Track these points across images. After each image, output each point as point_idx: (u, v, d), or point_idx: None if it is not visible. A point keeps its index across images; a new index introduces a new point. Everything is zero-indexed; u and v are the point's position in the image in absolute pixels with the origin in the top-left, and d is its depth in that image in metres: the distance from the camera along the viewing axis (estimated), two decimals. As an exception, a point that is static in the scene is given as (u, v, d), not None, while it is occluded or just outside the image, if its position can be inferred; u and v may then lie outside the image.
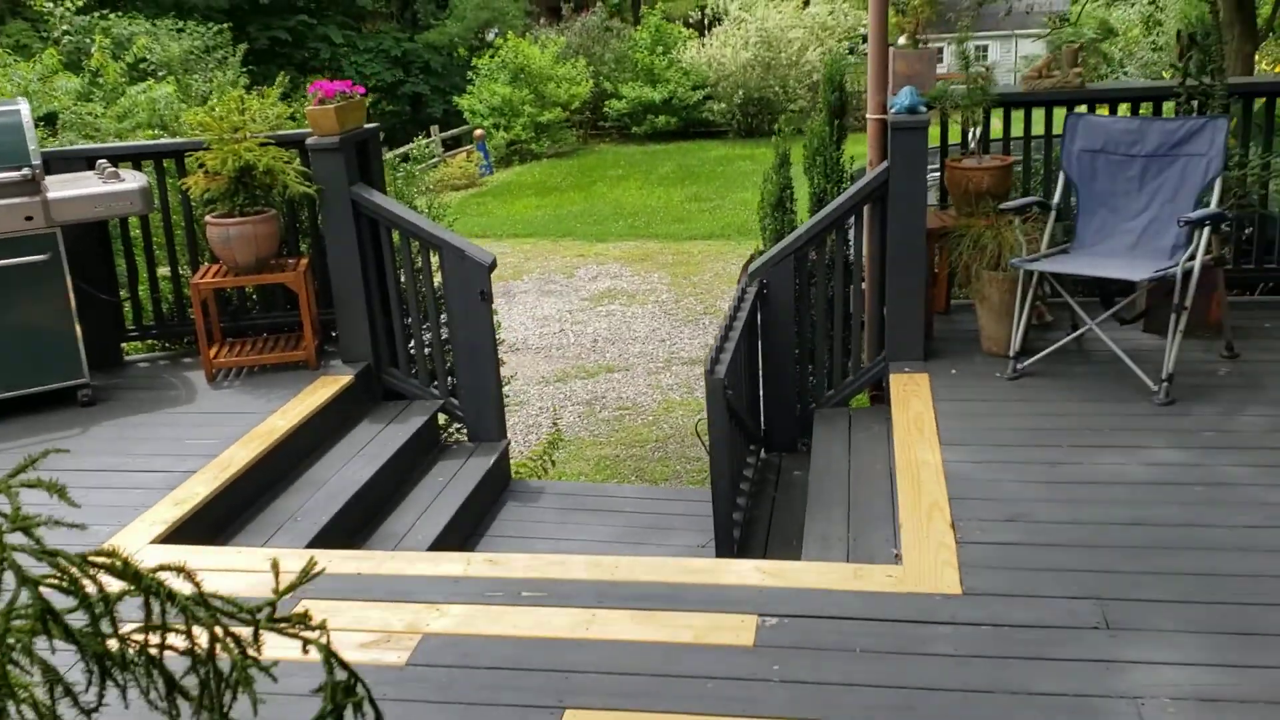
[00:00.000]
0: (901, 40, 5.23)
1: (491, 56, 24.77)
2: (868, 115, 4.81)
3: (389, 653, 2.90)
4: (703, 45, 24.72)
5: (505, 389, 5.81)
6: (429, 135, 23.86)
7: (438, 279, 5.32)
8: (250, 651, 1.63)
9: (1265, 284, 5.43)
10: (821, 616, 2.94)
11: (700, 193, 18.27)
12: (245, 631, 1.71)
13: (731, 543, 4.08)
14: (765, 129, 24.92)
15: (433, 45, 30.08)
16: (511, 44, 24.25)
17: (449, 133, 24.41)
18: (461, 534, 4.61)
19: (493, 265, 5.10)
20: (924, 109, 4.61)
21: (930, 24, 5.30)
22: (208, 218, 5.09)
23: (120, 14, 19.87)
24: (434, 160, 22.86)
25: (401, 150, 22.86)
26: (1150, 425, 4.04)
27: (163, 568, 1.63)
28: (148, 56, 17.82)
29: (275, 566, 1.73)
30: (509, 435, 5.38)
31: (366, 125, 5.33)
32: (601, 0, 32.75)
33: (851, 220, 4.90)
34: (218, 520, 4.00)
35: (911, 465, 3.84)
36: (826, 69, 5.45)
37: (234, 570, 3.40)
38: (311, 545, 3.91)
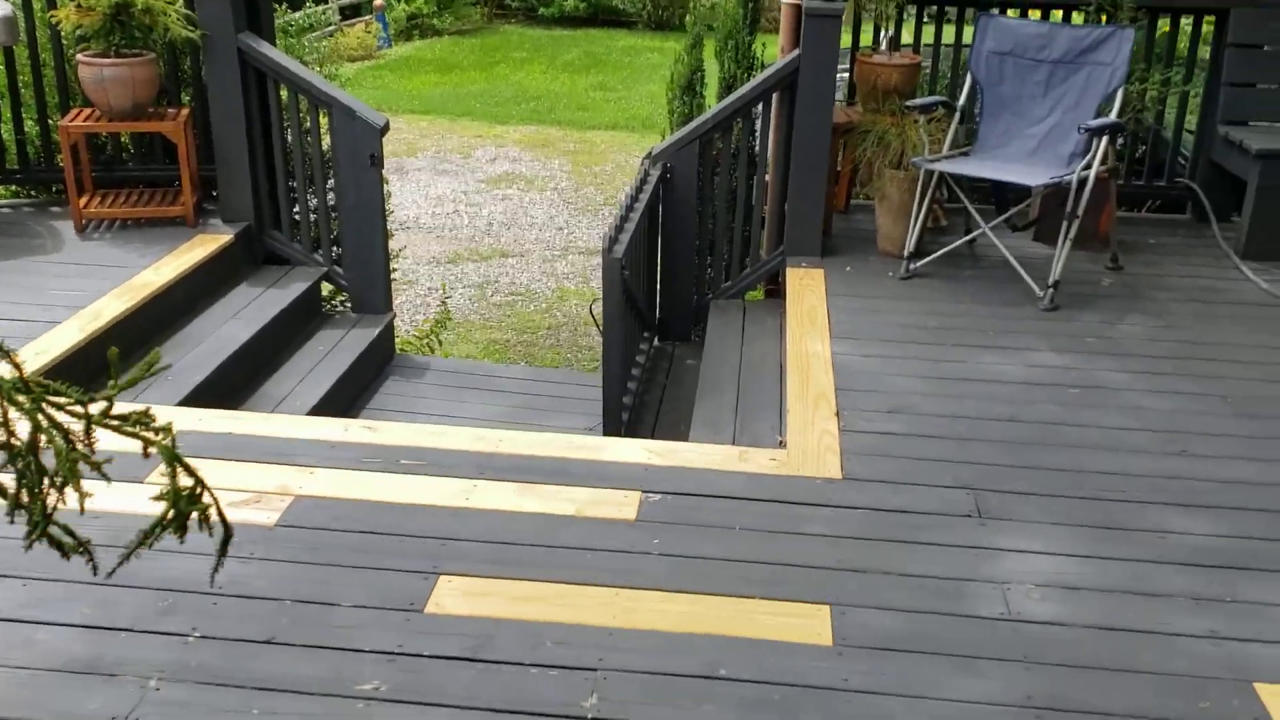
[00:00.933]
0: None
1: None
2: (782, 0, 4.71)
3: (259, 513, 2.81)
4: (617, -72, 23.98)
5: (393, 267, 5.64)
6: (326, 1, 22.83)
7: (327, 141, 5.10)
8: (79, 446, 1.48)
9: (1153, 201, 5.55)
10: (704, 495, 2.94)
11: (606, 82, 17.90)
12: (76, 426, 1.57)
13: (619, 425, 4.06)
14: (676, 22, 24.43)
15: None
16: (418, -91, 23.17)
17: (346, 0, 23.35)
18: (341, 404, 4.50)
19: (385, 127, 4.91)
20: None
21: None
22: (79, 56, 4.75)
23: None
24: (330, 29, 21.91)
25: (295, 16, 21.89)
26: (1033, 329, 4.11)
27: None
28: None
29: (113, 356, 1.58)
30: (395, 311, 5.23)
31: (258, -30, 5.01)
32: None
33: (759, 110, 4.82)
34: (83, 374, 3.80)
35: (801, 356, 3.85)
36: None
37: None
38: (184, 404, 3.77)
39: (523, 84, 17.69)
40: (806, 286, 4.49)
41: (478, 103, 15.99)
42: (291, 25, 6.44)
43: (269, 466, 3.04)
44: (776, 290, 5.07)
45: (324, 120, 5.06)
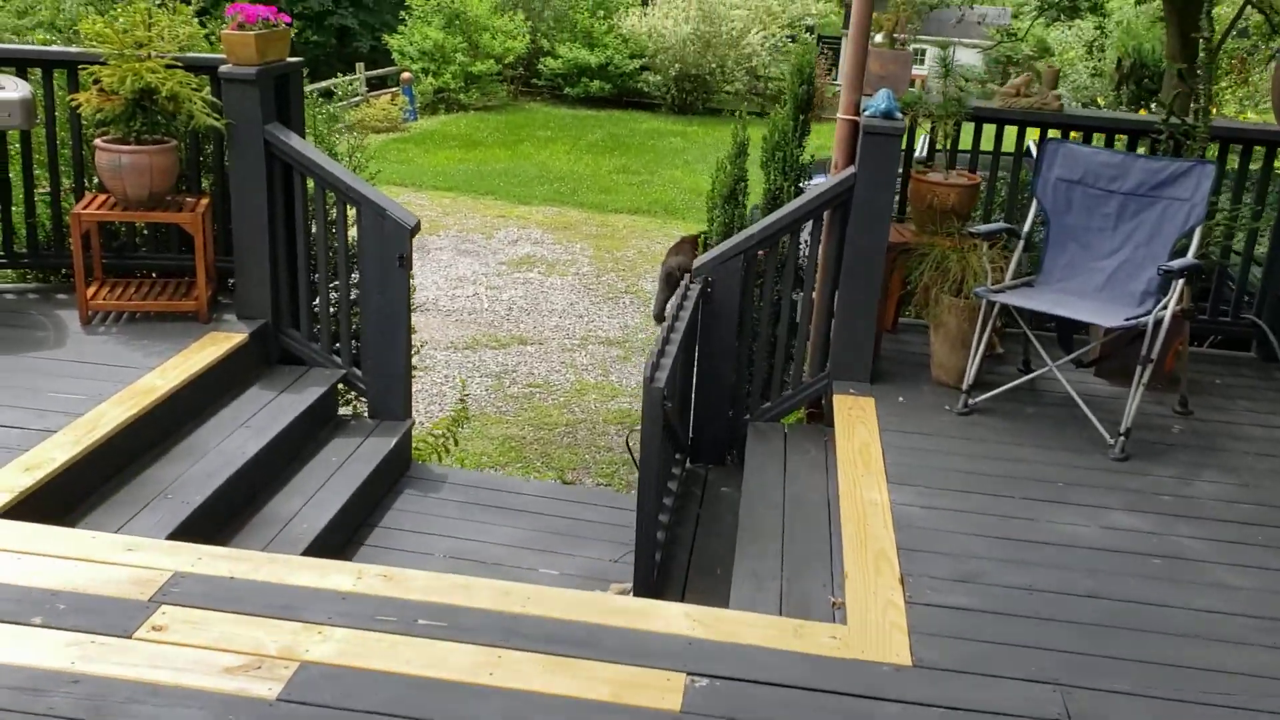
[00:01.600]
0: (878, 38, 4.90)
1: (427, -1, 23.90)
2: (839, 115, 4.48)
3: (258, 682, 2.48)
4: (644, 14, 24.21)
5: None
6: (354, 72, 22.97)
7: (353, 234, 4.86)
8: None
9: (1215, 336, 5.27)
10: (758, 682, 2.61)
11: (629, 165, 17.84)
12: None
13: (653, 567, 3.73)
14: (699, 106, 24.59)
15: (365, -22, 28.95)
16: (450, -13, 23.41)
17: (375, 72, 23.50)
18: (353, 524, 4.19)
19: (415, 228, 4.66)
20: (900, 115, 4.28)
21: (908, 23, 4.98)
22: (98, 141, 4.53)
23: (32, -99, 18.55)
24: (357, 99, 22.00)
25: (324, 84, 21.98)
26: (1105, 483, 3.79)
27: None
28: (59, -49, 16.72)
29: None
30: (414, 419, 4.94)
31: (290, 59, 4.81)
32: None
33: (808, 224, 4.57)
34: (76, 491, 3.51)
35: (856, 504, 3.53)
36: (797, 58, 5.08)
37: (80, 559, 2.92)
38: (183, 526, 3.46)
39: (546, 164, 17.63)
40: (857, 418, 4.19)
41: (501, 181, 15.89)
42: (322, 106, 6.23)
43: (273, 622, 2.71)
44: (818, 414, 4.78)
45: (351, 212, 4.83)
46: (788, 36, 24.60)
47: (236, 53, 4.50)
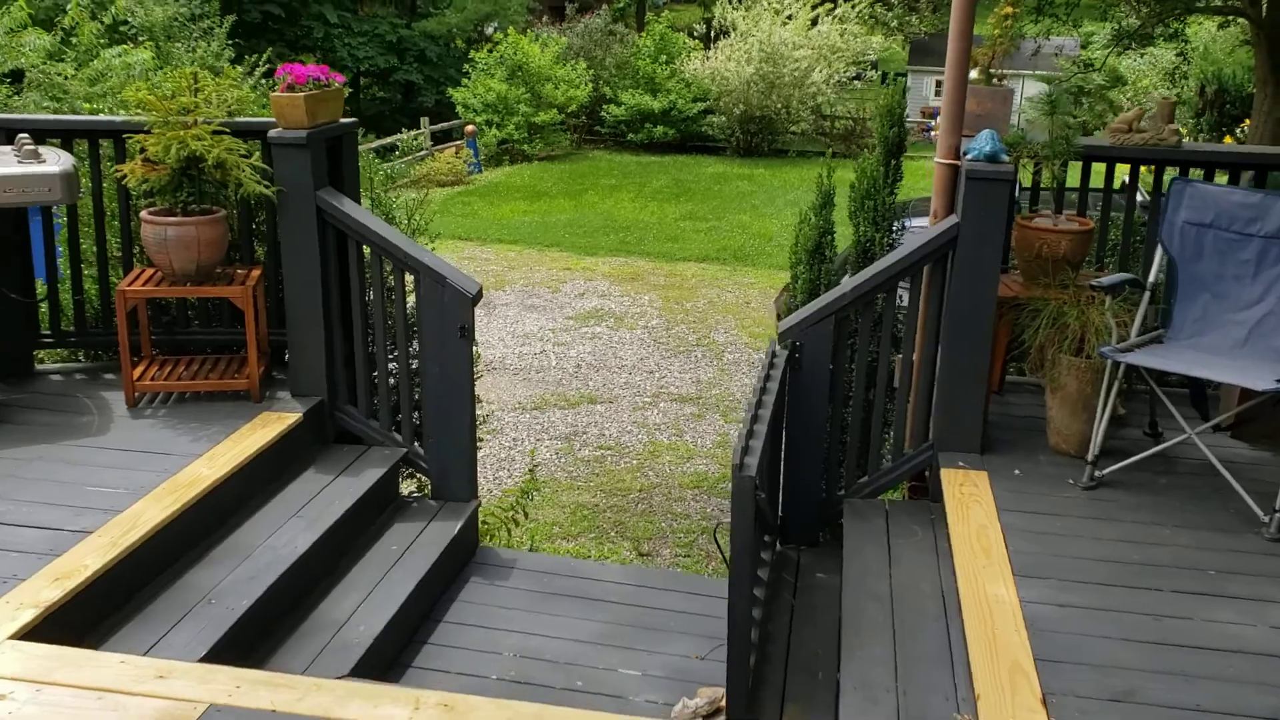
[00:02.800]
0: (974, 74, 4.50)
1: (490, 51, 23.98)
2: (936, 159, 4.07)
3: None
4: (707, 58, 24.03)
5: (477, 413, 5.04)
6: (419, 127, 23.08)
7: (411, 300, 4.56)
8: None
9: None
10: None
11: (695, 211, 17.54)
12: None
13: (747, 674, 3.32)
14: (764, 148, 24.29)
15: (430, 34, 29.29)
16: (512, 40, 23.48)
17: (439, 126, 23.59)
18: (413, 622, 3.83)
19: (478, 296, 4.34)
20: (1006, 157, 3.87)
21: (1005, 58, 4.58)
22: (143, 213, 4.28)
23: (104, -27, 18.93)
24: (422, 153, 22.06)
25: (388, 140, 22.08)
26: (1263, 569, 3.31)
27: None
28: (129, 19, 16.97)
29: None
30: (480, 499, 4.60)
31: (343, 120, 4.54)
32: (607, 3, 32.13)
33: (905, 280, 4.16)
34: (109, 601, 3.20)
35: (980, 602, 3.09)
36: (886, 98, 4.70)
37: (105, 690, 2.60)
38: (225, 639, 3.13)
39: (611, 213, 17.40)
40: (970, 496, 3.74)
41: (566, 233, 15.67)
42: (377, 168, 5.98)
43: (316, 769, 2.36)
44: (922, 487, 4.34)
45: (409, 279, 4.53)
46: (852, 77, 24.24)
47: (286, 116, 4.23)
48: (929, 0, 13.77)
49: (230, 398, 4.42)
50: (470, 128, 22.23)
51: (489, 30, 29.44)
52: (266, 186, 4.26)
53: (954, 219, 3.93)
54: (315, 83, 4.30)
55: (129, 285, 4.30)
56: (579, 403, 8.83)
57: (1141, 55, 25.75)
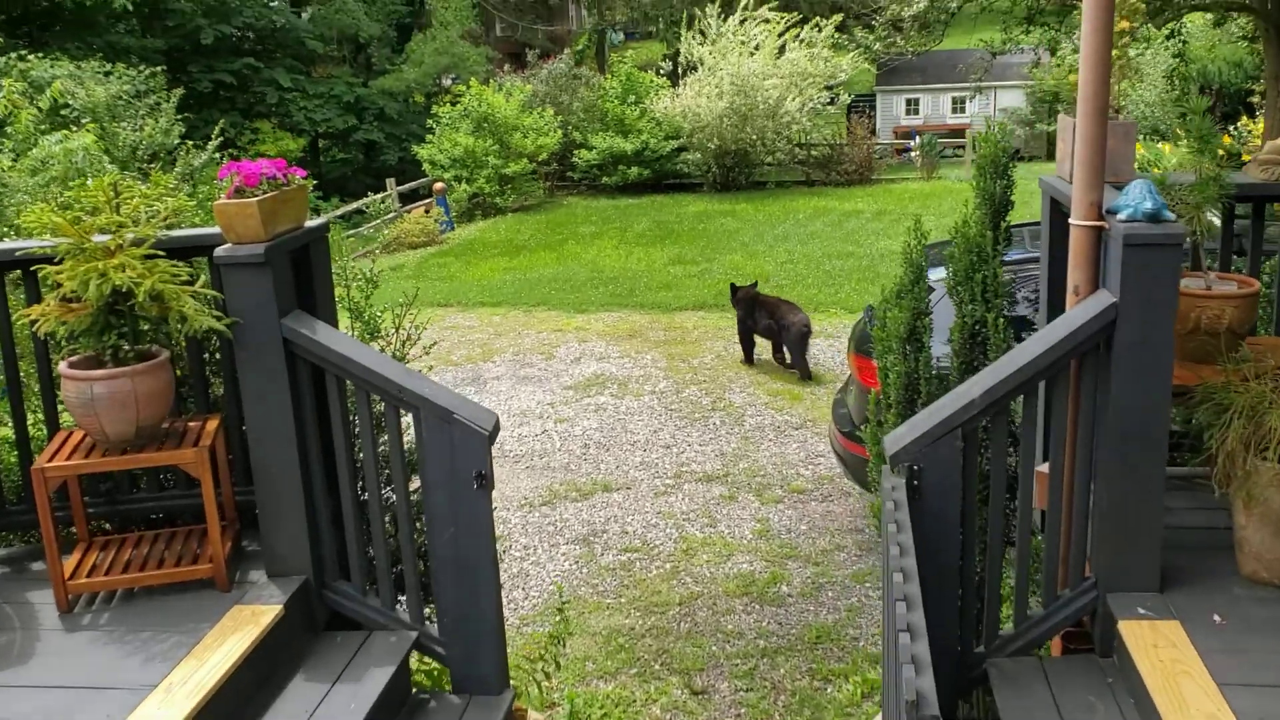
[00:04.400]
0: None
1: (453, 104, 23.17)
2: (1072, 221, 3.20)
3: None
4: (676, 95, 23.30)
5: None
6: (384, 187, 22.22)
7: (409, 436, 3.66)
8: None
9: None
10: None
11: (684, 254, 16.69)
12: None
13: None
14: (742, 182, 23.55)
15: (388, 91, 28.50)
16: (475, 91, 22.67)
17: (406, 185, 22.71)
18: None
19: (494, 432, 3.43)
20: (1171, 214, 3.00)
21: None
22: (62, 365, 3.35)
23: (41, 55, 18.03)
24: (390, 215, 21.17)
25: (355, 205, 21.19)
26: None
27: None
28: (69, 102, 16.03)
29: None
30: (514, 688, 3.66)
31: (309, 224, 3.63)
32: (566, 47, 31.53)
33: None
34: None
35: None
36: (987, 145, 3.79)
37: None
38: None
39: (596, 262, 16.53)
40: (1174, 663, 2.84)
41: (552, 289, 14.77)
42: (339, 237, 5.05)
43: None
44: (1078, 633, 3.43)
45: (407, 416, 3.61)
46: (827, 101, 23.56)
47: (237, 227, 3.32)
48: (914, 19, 13.05)
49: (192, 588, 3.47)
50: (439, 185, 21.36)
51: (447, 82, 28.70)
52: (217, 318, 3.34)
53: (1107, 297, 3.05)
54: (270, 182, 3.39)
55: (49, 460, 3.36)
56: (592, 491, 7.89)
57: (1154, 54, 24.99)
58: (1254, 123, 19.02)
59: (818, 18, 23.58)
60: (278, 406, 3.44)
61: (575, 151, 24.11)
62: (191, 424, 3.61)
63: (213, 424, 3.59)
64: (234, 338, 3.39)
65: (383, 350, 4.39)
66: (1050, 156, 29.73)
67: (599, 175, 24.04)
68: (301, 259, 3.58)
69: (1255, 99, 20.83)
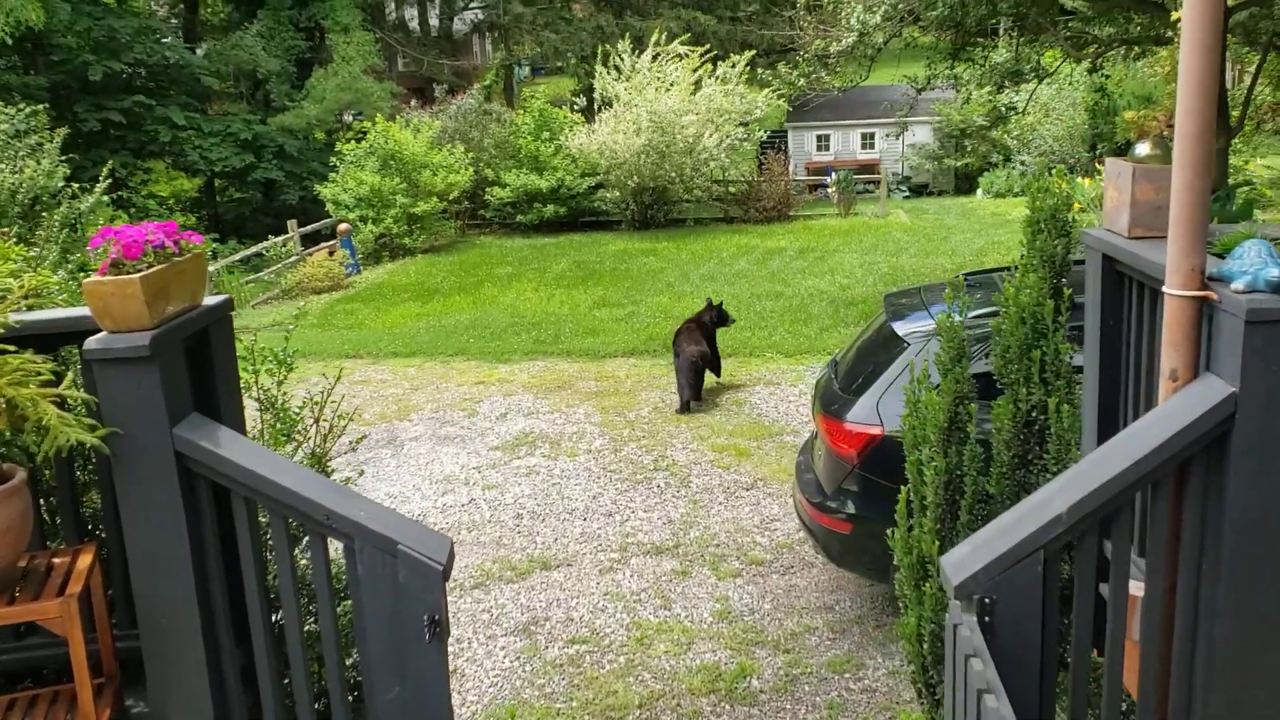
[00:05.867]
0: (1141, 148, 3.08)
1: (358, 141, 22.26)
2: (1166, 290, 2.61)
3: None
4: (591, 131, 22.74)
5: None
6: (285, 229, 21.19)
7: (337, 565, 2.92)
8: None
9: None
10: None
11: (608, 296, 16.05)
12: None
13: None
14: (660, 219, 23.09)
15: (288, 128, 27.41)
16: (381, 128, 21.80)
17: (309, 227, 21.69)
18: None
19: (448, 566, 2.72)
20: (1299, 284, 2.43)
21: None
22: (-123, 497, 2.55)
23: (-93, 94, 16.74)
24: (292, 259, 20.16)
25: (255, 248, 20.13)
26: None
27: None
28: (-63, 144, 14.81)
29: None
30: None
31: (209, 300, 2.88)
32: (474, 82, 30.89)
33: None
34: None
35: None
36: (1038, 200, 3.17)
37: None
38: None
39: (516, 307, 15.80)
40: None
41: (470, 337, 13.98)
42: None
43: None
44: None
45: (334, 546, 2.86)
46: (741, 137, 23.25)
47: (113, 311, 2.57)
48: (841, 54, 12.70)
49: (56, 778, 2.67)
50: (344, 226, 20.41)
51: (348, 118, 27.75)
52: (91, 428, 2.57)
53: (1221, 385, 2.47)
54: (158, 252, 2.64)
55: None
56: (529, 570, 7.14)
57: (1016, 92, 25.44)
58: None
59: (732, 55, 23.31)
60: (170, 536, 2.69)
61: (488, 189, 23.37)
62: (58, 560, 2.82)
63: (85, 559, 2.81)
64: (112, 452, 2.62)
65: (297, 448, 3.64)
66: (960, 191, 29.97)
67: (513, 214, 23.33)
68: (198, 347, 2.83)
69: (1167, 132, 21.09)
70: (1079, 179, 22.37)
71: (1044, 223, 3.04)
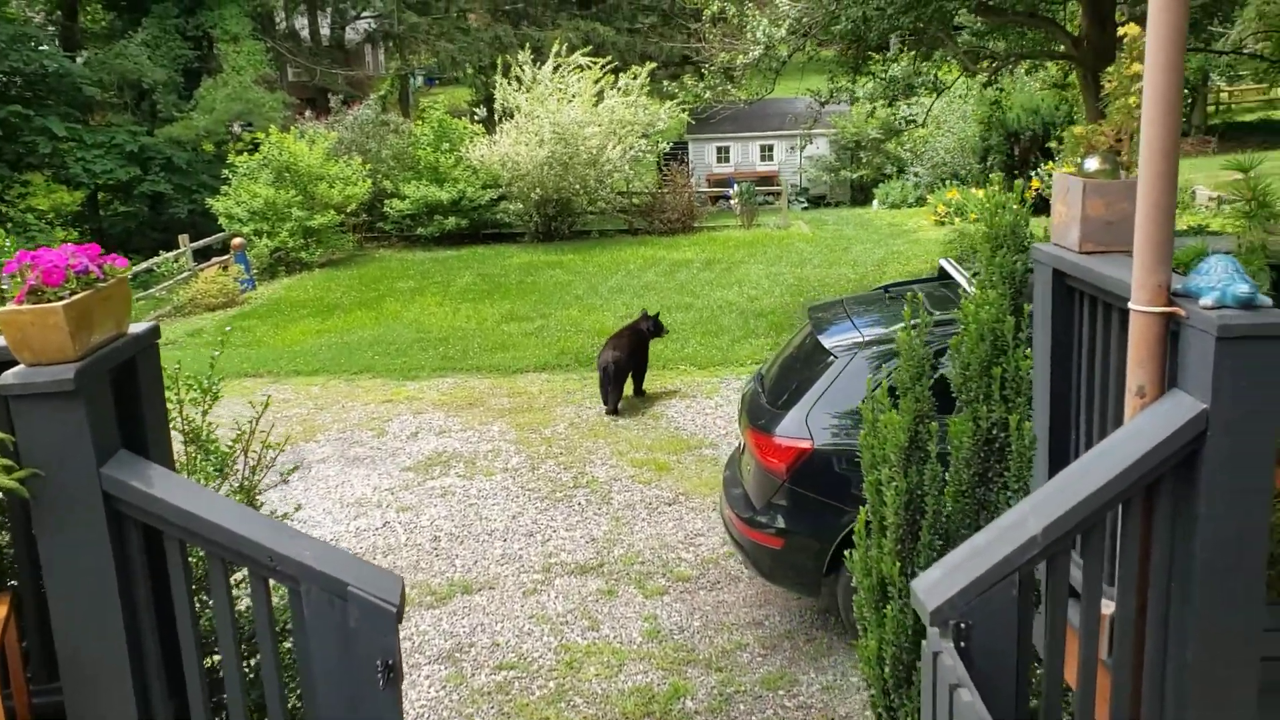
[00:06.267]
0: (1090, 163, 3.09)
1: (251, 153, 21.64)
2: (1132, 306, 2.60)
3: None
4: (493, 142, 22.50)
5: None
6: (176, 244, 20.49)
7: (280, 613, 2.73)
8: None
9: None
10: None
11: (516, 310, 15.85)
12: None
13: None
14: (564, 231, 22.95)
15: (176, 140, 26.53)
16: (275, 139, 21.23)
17: (201, 241, 21.00)
18: None
19: (400, 606, 2.56)
20: (1266, 297, 2.44)
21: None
22: None
23: None
24: (184, 274, 19.51)
25: (146, 264, 19.40)
26: None
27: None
28: None
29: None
30: None
31: (135, 328, 2.68)
32: (368, 92, 30.39)
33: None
34: None
35: None
36: (993, 216, 3.09)
37: None
38: None
39: (421, 322, 15.49)
40: None
41: (375, 353, 13.64)
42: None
43: None
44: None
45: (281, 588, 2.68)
46: (645, 149, 23.28)
47: (33, 343, 2.36)
48: (747, 67, 12.76)
49: None
50: (238, 240, 19.80)
51: (237, 129, 26.97)
52: (7, 470, 2.36)
53: (1191, 402, 2.46)
54: (81, 278, 2.44)
55: None
56: (449, 595, 6.94)
57: (909, 104, 26.04)
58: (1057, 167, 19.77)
59: (634, 66, 23.33)
60: (97, 583, 2.48)
61: (386, 201, 22.94)
62: (-33, 613, 2.58)
63: (0, 610, 2.58)
64: (32, 495, 2.41)
65: (224, 481, 3.43)
66: (856, 202, 30.47)
67: (413, 226, 22.94)
68: (125, 378, 2.63)
69: (1053, 144, 21.74)
70: (973, 190, 22.96)
71: (1003, 238, 3.02)
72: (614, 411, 10.41)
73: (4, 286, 2.47)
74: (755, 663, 5.95)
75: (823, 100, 14.58)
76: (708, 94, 14.31)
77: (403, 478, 9.20)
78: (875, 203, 28.42)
